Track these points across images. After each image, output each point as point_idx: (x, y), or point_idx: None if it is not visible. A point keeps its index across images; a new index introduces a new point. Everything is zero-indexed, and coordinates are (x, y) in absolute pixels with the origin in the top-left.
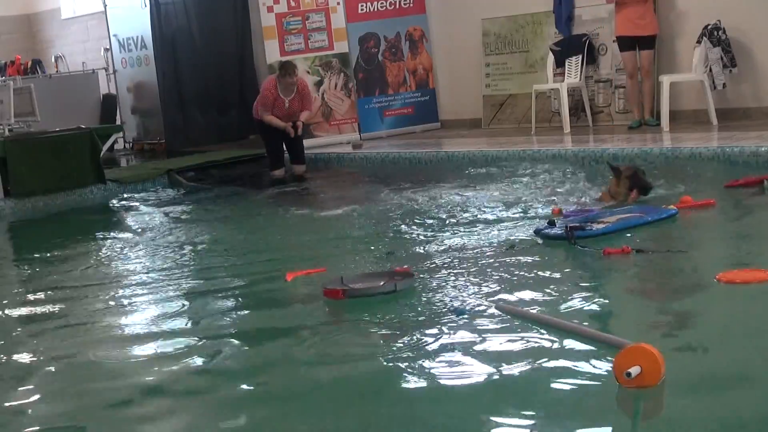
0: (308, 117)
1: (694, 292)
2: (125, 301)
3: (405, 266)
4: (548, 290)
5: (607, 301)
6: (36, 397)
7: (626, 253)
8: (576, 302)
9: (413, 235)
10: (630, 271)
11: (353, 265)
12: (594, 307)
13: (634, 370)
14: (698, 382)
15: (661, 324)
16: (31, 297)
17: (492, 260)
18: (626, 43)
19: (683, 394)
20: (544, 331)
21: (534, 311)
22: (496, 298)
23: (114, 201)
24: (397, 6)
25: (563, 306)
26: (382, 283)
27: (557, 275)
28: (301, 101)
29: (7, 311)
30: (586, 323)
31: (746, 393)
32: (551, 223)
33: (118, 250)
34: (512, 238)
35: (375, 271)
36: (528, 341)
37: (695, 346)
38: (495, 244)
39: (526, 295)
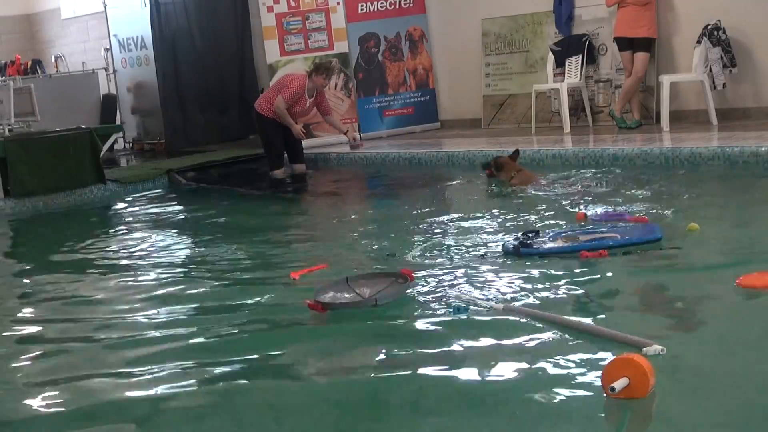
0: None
1: (712, 297)
2: (124, 303)
3: (408, 269)
4: (551, 293)
5: (609, 304)
6: (31, 399)
7: (603, 256)
8: (591, 306)
9: (413, 235)
10: (634, 271)
11: (353, 265)
12: (604, 312)
13: (620, 384)
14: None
15: (667, 328)
16: (30, 298)
17: (489, 261)
18: (623, 43)
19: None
20: (547, 331)
21: (544, 312)
22: (489, 298)
23: (114, 201)
24: (397, 6)
25: (567, 308)
26: (352, 294)
27: (559, 278)
28: (319, 105)
29: (6, 312)
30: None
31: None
32: (529, 235)
33: (118, 250)
34: (505, 241)
35: (380, 272)
36: (529, 342)
37: (703, 351)
38: (492, 246)
39: (534, 299)
